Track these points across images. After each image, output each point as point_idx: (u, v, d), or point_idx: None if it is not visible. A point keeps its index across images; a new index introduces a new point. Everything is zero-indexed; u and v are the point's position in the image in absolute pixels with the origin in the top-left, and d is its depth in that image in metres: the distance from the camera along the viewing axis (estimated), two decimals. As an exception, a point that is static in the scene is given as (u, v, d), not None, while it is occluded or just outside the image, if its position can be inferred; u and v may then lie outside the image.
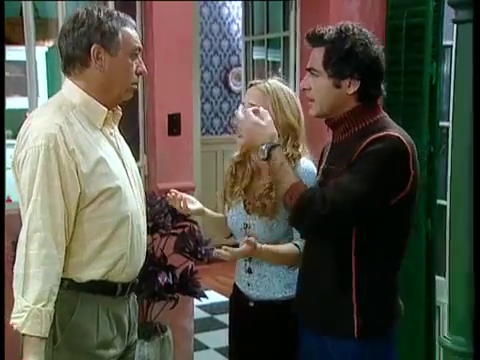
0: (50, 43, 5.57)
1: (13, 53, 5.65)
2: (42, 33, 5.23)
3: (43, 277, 1.78)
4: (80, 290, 1.88)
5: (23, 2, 3.39)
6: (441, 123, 3.36)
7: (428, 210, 3.37)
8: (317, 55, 1.92)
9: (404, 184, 1.84)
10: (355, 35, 1.88)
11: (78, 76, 1.91)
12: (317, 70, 1.92)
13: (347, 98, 1.91)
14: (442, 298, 3.40)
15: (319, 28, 1.93)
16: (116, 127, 2.04)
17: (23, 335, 1.77)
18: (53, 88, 5.23)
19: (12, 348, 1.85)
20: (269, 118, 1.97)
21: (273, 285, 2.20)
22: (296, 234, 2.15)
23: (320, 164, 2.11)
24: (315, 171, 2.13)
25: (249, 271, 2.22)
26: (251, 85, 2.19)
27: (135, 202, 1.99)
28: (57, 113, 1.85)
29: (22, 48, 5.29)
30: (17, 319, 1.76)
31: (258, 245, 2.04)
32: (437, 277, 3.43)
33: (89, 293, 1.89)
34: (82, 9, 1.89)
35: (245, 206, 2.23)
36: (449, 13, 3.20)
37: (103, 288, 1.91)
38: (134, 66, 1.93)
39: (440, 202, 3.40)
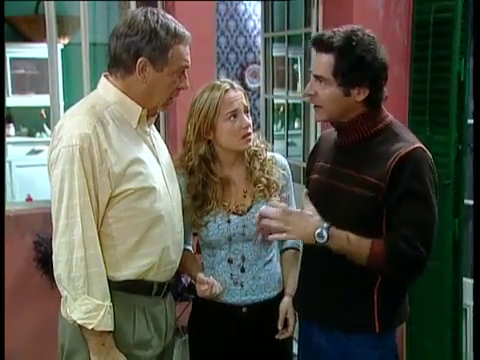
0: (66, 40, 5.55)
1: (29, 50, 5.64)
2: (57, 30, 5.21)
3: (103, 274, 1.81)
4: (115, 289, 1.86)
5: (45, 2, 3.41)
6: (469, 121, 3.28)
7: (455, 210, 3.30)
8: (325, 62, 1.89)
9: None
10: (364, 42, 1.87)
11: (119, 79, 1.89)
12: (326, 78, 1.90)
13: (355, 104, 1.92)
14: (469, 300, 3.34)
15: (327, 33, 1.91)
16: (152, 125, 2.01)
17: (88, 332, 1.79)
18: (69, 85, 5.20)
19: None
20: (311, 207, 1.95)
21: (268, 285, 2.20)
22: None
23: (313, 161, 2.12)
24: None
25: (242, 270, 2.18)
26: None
27: (170, 201, 1.96)
28: (91, 112, 1.83)
29: (37, 45, 5.30)
30: (91, 319, 1.77)
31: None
32: (464, 279, 3.36)
33: (125, 292, 1.87)
34: (141, 14, 1.85)
35: (230, 212, 2.17)
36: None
37: (139, 287, 1.90)
38: (177, 82, 1.91)
39: (467, 202, 3.32)
